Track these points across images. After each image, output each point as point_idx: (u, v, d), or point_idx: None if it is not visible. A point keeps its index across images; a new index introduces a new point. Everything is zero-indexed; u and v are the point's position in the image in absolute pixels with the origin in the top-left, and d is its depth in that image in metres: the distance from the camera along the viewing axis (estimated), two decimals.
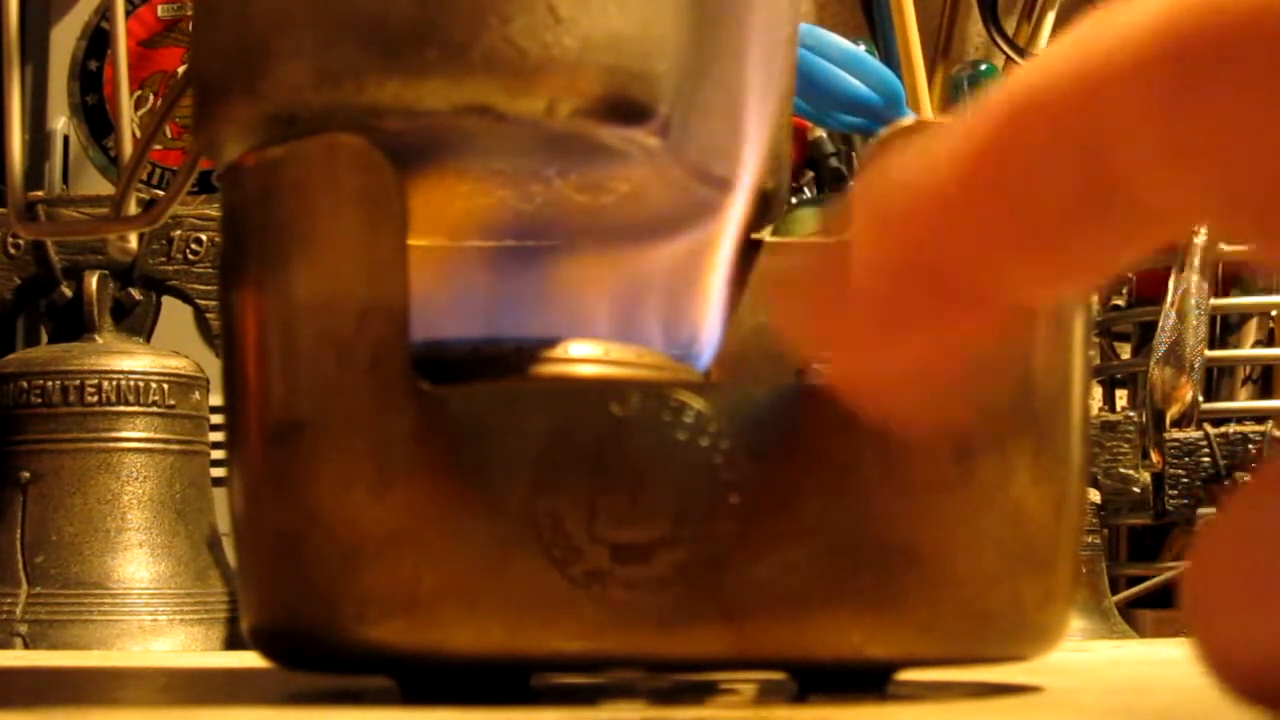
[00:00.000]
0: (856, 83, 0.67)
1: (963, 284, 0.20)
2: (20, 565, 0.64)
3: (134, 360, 0.66)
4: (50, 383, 0.66)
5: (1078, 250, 0.19)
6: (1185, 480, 0.75)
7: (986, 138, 0.18)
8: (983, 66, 0.82)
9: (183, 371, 0.67)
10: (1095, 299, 0.71)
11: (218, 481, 0.67)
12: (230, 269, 0.32)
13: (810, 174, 0.83)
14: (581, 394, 0.30)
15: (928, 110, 0.77)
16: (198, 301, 0.70)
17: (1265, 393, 0.85)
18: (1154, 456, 0.76)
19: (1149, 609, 0.84)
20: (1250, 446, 0.75)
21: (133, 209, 0.51)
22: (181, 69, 1.10)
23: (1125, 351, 0.87)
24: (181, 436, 0.67)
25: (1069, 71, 0.18)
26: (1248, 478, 0.17)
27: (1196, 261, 0.76)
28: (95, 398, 0.65)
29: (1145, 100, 0.17)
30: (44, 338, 0.71)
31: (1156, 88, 0.17)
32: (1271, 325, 0.85)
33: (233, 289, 0.32)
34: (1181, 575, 0.17)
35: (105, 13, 1.12)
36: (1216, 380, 0.83)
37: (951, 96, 0.82)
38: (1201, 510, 0.76)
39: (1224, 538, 0.17)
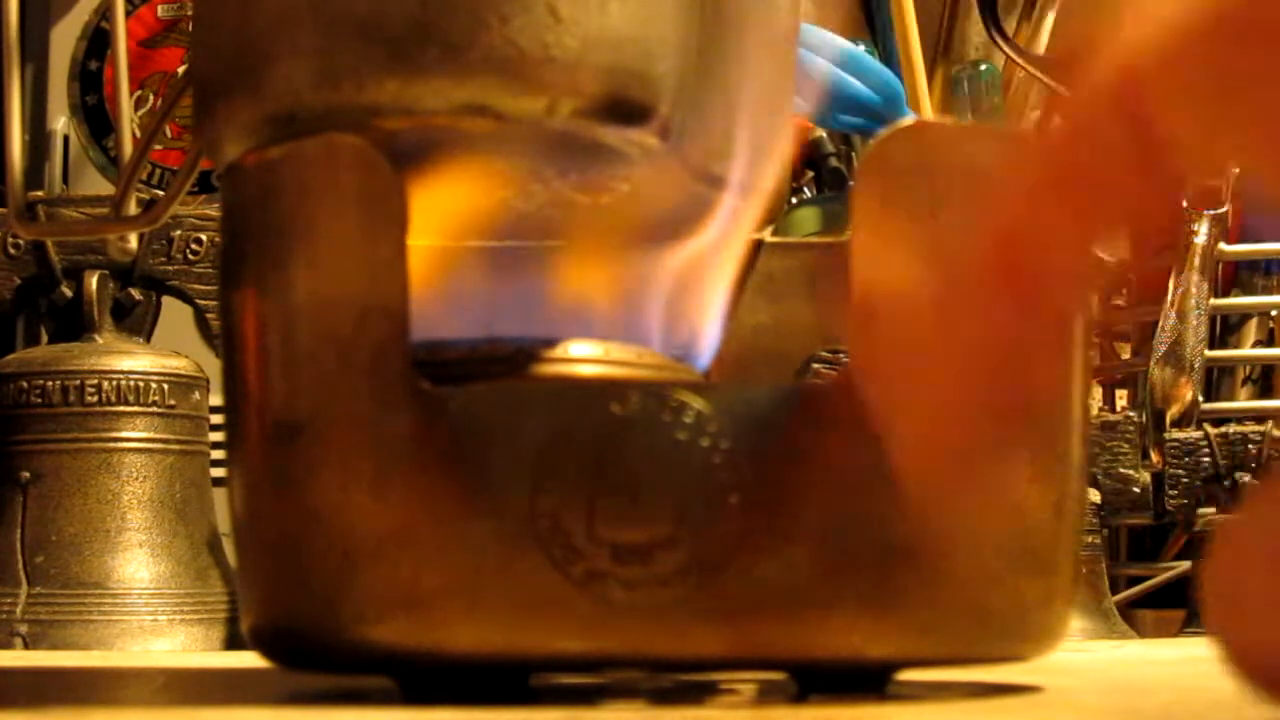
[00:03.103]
0: (856, 83, 0.67)
1: (1033, 262, 0.22)
2: (20, 565, 0.64)
3: (134, 360, 0.66)
4: (50, 383, 0.66)
5: (1126, 208, 0.21)
6: (1185, 480, 0.75)
7: (1064, 131, 0.21)
8: (983, 66, 0.82)
9: (183, 371, 0.67)
10: (1095, 299, 0.71)
11: (218, 481, 0.67)
12: (230, 269, 0.32)
13: (810, 174, 0.83)
14: (581, 394, 0.30)
15: (928, 110, 0.77)
16: (198, 301, 0.70)
17: (1265, 393, 0.85)
18: (1154, 456, 0.76)
19: (1149, 609, 0.84)
20: (1250, 446, 0.75)
21: (133, 209, 0.51)
22: (181, 69, 1.10)
23: (1125, 351, 0.87)
24: (181, 436, 0.67)
25: (1119, 59, 0.20)
26: (1267, 477, 0.17)
27: (1197, 261, 0.76)
28: (95, 398, 0.65)
29: (1182, 74, 0.19)
30: (44, 338, 0.71)
31: (1190, 60, 0.18)
32: (1271, 325, 0.85)
33: (233, 289, 0.32)
34: (1204, 576, 0.18)
35: (105, 13, 1.12)
36: (1216, 380, 0.83)
37: (951, 96, 0.82)
38: (1201, 510, 0.76)
39: (1248, 538, 0.17)
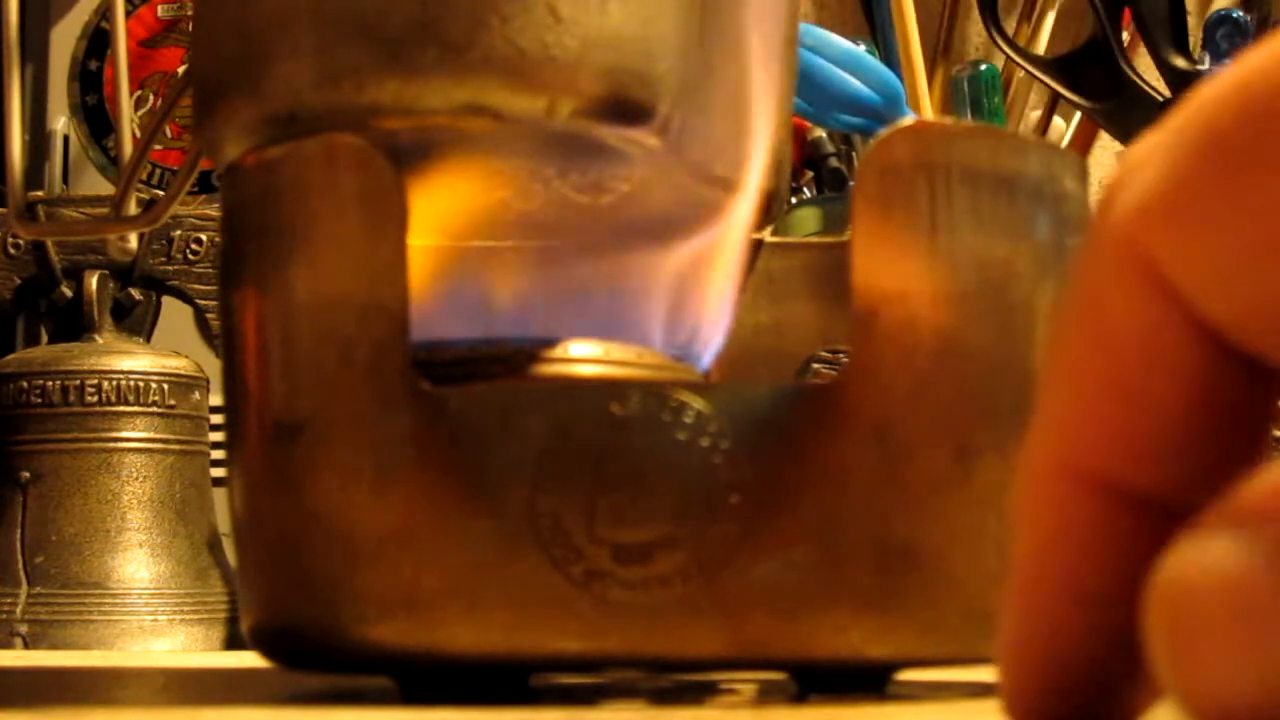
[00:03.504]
0: (856, 83, 0.67)
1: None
2: (20, 565, 0.64)
3: (134, 360, 0.67)
4: (50, 383, 0.66)
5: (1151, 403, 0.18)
6: None
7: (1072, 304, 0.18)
8: (983, 66, 0.82)
9: (183, 371, 0.67)
10: None
11: (218, 481, 0.68)
12: (230, 269, 0.32)
13: (810, 174, 0.83)
14: (581, 394, 0.30)
15: (928, 110, 0.77)
16: (198, 301, 0.70)
17: None
18: None
19: None
20: None
21: (133, 209, 0.51)
22: (181, 69, 1.10)
23: None
24: (181, 436, 0.67)
25: (1114, 215, 0.17)
26: (1217, 505, 0.16)
27: None
28: (95, 398, 0.65)
29: (1183, 210, 0.17)
30: (44, 338, 0.71)
31: (1189, 194, 0.16)
32: None
33: (233, 289, 0.32)
34: (1150, 617, 0.16)
35: (105, 13, 1.12)
36: None
37: (951, 96, 0.82)
38: None
39: (1206, 573, 0.15)
